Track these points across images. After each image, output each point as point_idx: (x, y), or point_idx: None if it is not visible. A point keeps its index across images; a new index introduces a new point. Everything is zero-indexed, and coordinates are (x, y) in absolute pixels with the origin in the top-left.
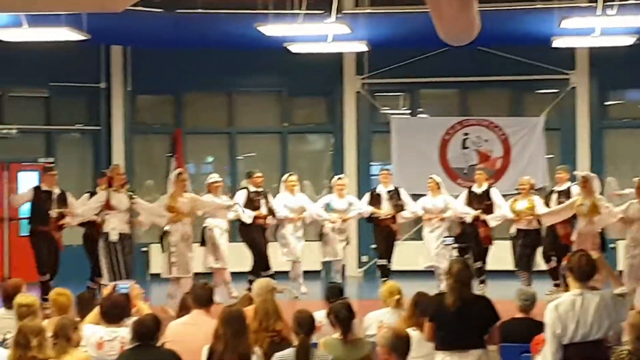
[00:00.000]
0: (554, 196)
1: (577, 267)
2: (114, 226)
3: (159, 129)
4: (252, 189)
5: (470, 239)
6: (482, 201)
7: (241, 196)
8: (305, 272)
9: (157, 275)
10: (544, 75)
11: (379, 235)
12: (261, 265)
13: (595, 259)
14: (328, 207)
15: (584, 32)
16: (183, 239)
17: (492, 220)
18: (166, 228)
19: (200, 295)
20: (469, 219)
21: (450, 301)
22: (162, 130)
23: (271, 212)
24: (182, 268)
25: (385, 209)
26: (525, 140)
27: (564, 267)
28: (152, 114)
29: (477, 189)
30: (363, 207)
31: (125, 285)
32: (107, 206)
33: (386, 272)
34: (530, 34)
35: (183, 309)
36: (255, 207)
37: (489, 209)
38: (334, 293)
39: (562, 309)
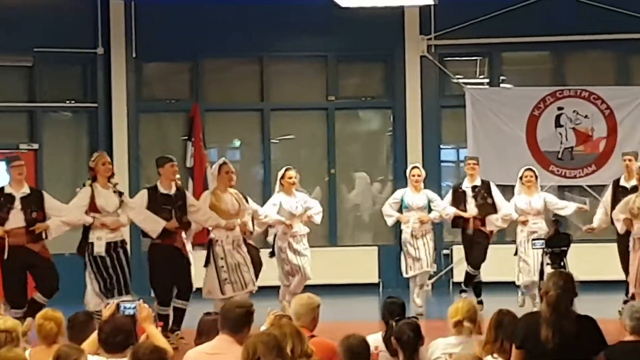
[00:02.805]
0: None
1: None
2: (100, 235)
3: (171, 106)
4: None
5: (567, 242)
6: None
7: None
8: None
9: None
10: None
11: (469, 242)
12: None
13: None
14: (402, 205)
15: None
16: (234, 247)
17: None
18: (211, 236)
19: (235, 317)
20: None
21: (547, 336)
22: (176, 107)
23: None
24: (237, 284)
25: (472, 210)
26: (635, 115)
27: None
28: (163, 86)
29: (626, 183)
30: (446, 207)
31: (130, 305)
32: (93, 208)
33: (479, 287)
34: None
35: (202, 335)
36: None
37: None
38: (394, 311)
39: None
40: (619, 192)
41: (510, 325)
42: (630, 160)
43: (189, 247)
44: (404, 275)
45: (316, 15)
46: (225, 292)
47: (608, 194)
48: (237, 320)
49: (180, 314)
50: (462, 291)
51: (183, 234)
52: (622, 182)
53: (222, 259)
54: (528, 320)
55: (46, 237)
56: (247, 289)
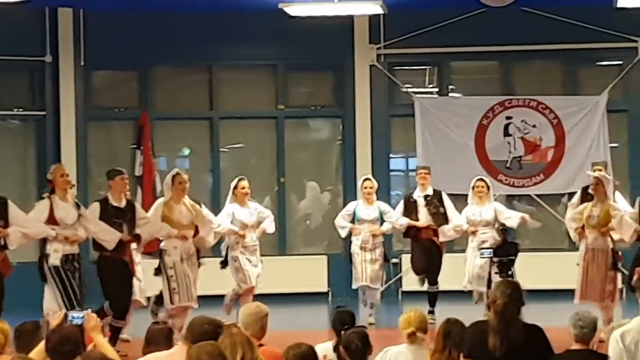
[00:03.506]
0: None
1: None
2: (57, 247)
3: (120, 114)
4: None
5: (514, 251)
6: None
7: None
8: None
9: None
10: (605, 42)
11: (419, 252)
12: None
13: None
14: (355, 217)
15: None
16: (184, 259)
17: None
18: (161, 245)
19: (201, 332)
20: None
21: (494, 345)
22: (125, 115)
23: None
24: (185, 295)
25: (424, 219)
26: (583, 125)
27: (635, 284)
28: (112, 94)
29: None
30: (399, 217)
31: (78, 315)
32: (52, 220)
33: (433, 298)
34: None
35: (151, 344)
36: None
37: None
38: (344, 320)
39: (630, 338)
40: (588, 200)
41: (458, 334)
42: (599, 170)
43: (138, 258)
44: (353, 286)
45: (266, 24)
46: (174, 302)
47: (576, 199)
48: (202, 336)
49: (115, 332)
50: (430, 312)
51: (133, 246)
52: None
53: (171, 268)
54: (476, 329)
55: (6, 246)
56: (191, 302)
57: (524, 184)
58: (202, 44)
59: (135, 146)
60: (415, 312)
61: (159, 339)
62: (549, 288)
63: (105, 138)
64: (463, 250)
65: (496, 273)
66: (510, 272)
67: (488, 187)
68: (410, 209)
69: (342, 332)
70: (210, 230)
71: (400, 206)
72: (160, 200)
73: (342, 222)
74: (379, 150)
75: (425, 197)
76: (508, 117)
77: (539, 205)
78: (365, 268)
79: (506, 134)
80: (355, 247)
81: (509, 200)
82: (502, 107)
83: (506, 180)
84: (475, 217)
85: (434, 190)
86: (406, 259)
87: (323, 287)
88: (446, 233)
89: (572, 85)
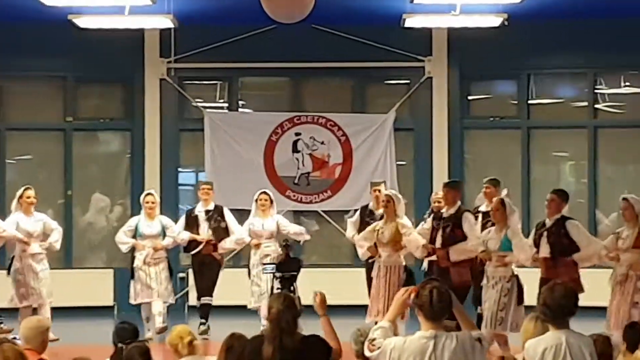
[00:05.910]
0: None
1: (427, 302)
2: None
3: None
4: None
5: (297, 267)
6: (447, 227)
7: None
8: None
9: None
10: (393, 62)
11: (199, 267)
12: None
13: (449, 293)
14: (136, 233)
15: (441, 10)
16: None
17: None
18: None
19: None
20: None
21: (268, 352)
22: None
23: None
24: None
25: (205, 233)
26: (370, 142)
27: (412, 302)
28: None
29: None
30: (180, 232)
31: None
32: None
33: (206, 312)
34: (377, 10)
35: None
36: None
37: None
38: (126, 335)
39: (406, 355)
40: (366, 217)
41: (240, 347)
42: (378, 190)
43: None
44: (131, 302)
45: (55, 35)
46: None
47: (356, 217)
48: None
49: None
50: (202, 323)
51: None
52: (371, 207)
53: None
54: (256, 341)
55: None
56: None
57: (312, 200)
58: None
59: None
60: (180, 326)
61: None
62: (334, 304)
63: None
64: (246, 265)
65: (278, 289)
66: (292, 288)
67: (272, 201)
68: (192, 224)
69: (121, 346)
70: None
71: (182, 221)
72: None
73: (123, 238)
74: (168, 164)
75: (207, 212)
76: (297, 134)
77: (325, 222)
78: (150, 284)
79: (295, 150)
80: (138, 263)
81: (297, 216)
82: (291, 123)
83: (294, 196)
84: (258, 229)
85: (215, 206)
86: (192, 274)
87: (109, 301)
88: (226, 246)
89: (360, 103)
